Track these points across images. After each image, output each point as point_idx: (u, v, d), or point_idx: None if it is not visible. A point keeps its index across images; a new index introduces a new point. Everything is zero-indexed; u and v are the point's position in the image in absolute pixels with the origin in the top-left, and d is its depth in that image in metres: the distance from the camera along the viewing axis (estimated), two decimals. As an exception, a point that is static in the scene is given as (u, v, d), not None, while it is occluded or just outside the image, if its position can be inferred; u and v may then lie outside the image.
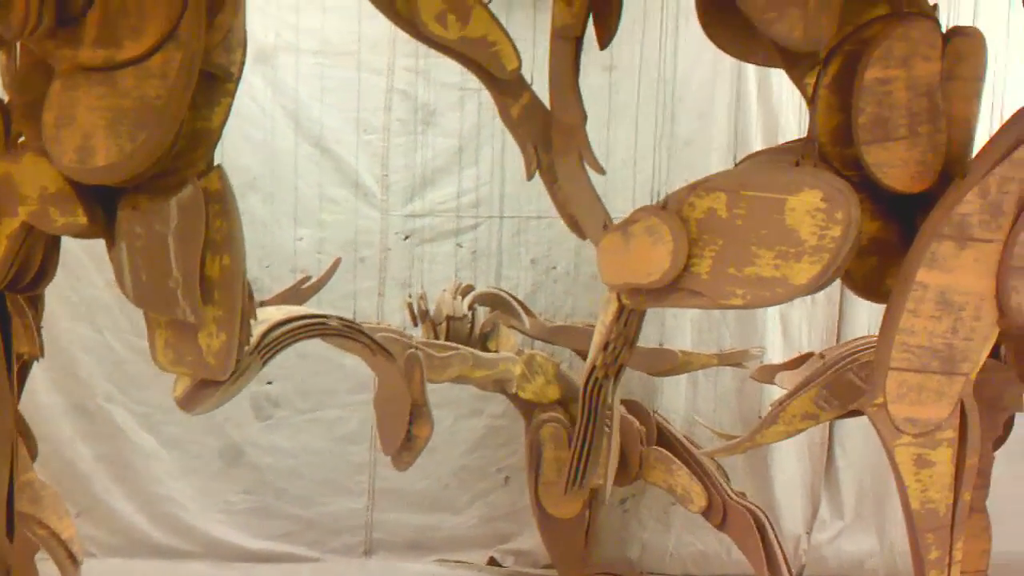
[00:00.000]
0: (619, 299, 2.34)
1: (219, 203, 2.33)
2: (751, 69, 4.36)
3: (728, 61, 4.30)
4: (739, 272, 2.07)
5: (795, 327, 4.43)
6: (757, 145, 4.38)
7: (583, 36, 2.32)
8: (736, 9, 2.18)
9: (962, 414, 2.14)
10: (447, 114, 4.36)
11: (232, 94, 2.45)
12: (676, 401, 4.40)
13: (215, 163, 2.40)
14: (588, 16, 2.29)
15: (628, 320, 2.41)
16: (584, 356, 4.15)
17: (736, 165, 2.32)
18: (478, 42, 2.26)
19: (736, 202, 2.06)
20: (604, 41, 2.40)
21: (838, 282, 2.24)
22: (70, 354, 4.21)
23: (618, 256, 2.17)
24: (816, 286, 2.06)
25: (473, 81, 4.30)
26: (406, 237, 4.41)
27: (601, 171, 2.32)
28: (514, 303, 4.02)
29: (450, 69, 4.26)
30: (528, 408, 3.94)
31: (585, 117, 2.31)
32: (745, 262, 2.06)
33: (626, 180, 4.05)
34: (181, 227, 2.25)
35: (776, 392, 3.78)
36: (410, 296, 4.01)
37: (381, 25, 4.24)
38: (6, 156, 2.32)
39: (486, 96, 4.31)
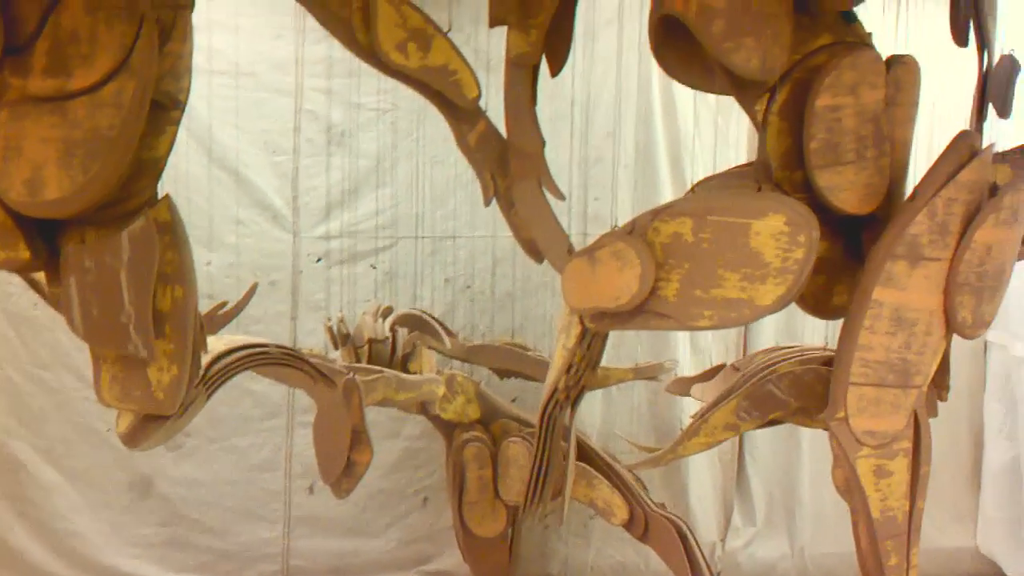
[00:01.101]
0: (582, 322, 2.37)
1: (169, 234, 2.27)
2: (655, 88, 4.46)
3: (634, 82, 4.40)
4: (706, 294, 2.12)
5: (703, 340, 4.54)
6: (663, 161, 4.50)
7: (539, 64, 2.34)
8: (688, 39, 2.24)
9: (915, 425, 2.24)
10: (357, 135, 4.32)
11: (177, 122, 2.39)
12: (592, 415, 4.46)
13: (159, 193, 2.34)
14: (543, 45, 2.31)
15: (591, 343, 2.44)
16: (501, 374, 4.18)
17: (691, 190, 2.38)
18: (439, 71, 2.26)
19: (702, 227, 2.12)
20: (556, 69, 2.43)
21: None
22: (-33, 388, 4.02)
23: (584, 280, 2.20)
24: (780, 306, 2.12)
25: (385, 102, 4.33)
26: (318, 259, 4.35)
27: (561, 197, 2.35)
28: (434, 323, 4.01)
29: (360, 89, 4.26)
30: (448, 428, 3.92)
31: (543, 143, 2.33)
32: (712, 284, 2.12)
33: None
34: (133, 260, 2.18)
35: (689, 403, 3.87)
36: (329, 319, 3.96)
37: (289, 45, 4.21)
38: (-60, 189, 2.21)
39: (398, 116, 4.36)
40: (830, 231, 2.32)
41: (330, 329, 3.87)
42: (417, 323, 4.00)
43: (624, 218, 4.40)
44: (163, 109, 2.31)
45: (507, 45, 2.33)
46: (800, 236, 2.07)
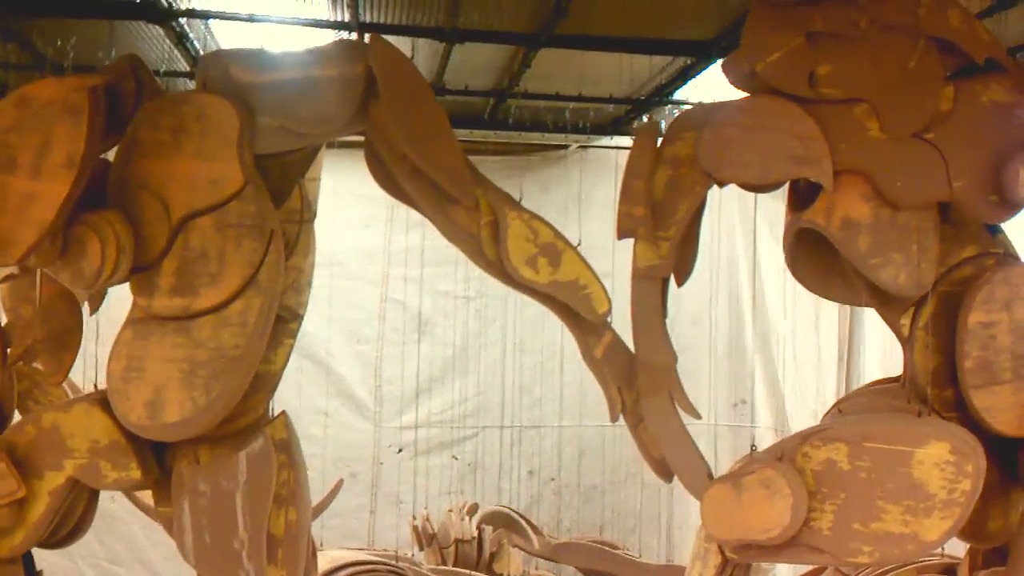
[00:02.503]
0: (722, 552, 2.21)
1: (285, 453, 2.18)
2: (743, 274, 4.38)
3: (723, 267, 4.33)
4: (865, 527, 1.97)
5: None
6: (754, 351, 4.38)
7: (669, 276, 2.25)
8: (823, 249, 2.15)
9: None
10: (441, 322, 4.27)
11: (295, 335, 2.33)
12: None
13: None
14: (674, 257, 2.23)
15: (733, 574, 2.28)
16: (588, 574, 3.99)
17: (836, 410, 2.25)
18: (569, 285, 2.18)
19: (858, 454, 1.98)
20: (682, 279, 2.34)
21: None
22: (41, 586, 3.86)
23: (728, 509, 2.05)
24: (945, 540, 1.97)
25: (470, 289, 4.28)
26: (399, 450, 4.23)
27: (696, 415, 2.22)
28: (521, 522, 3.87)
29: (445, 277, 4.21)
30: (535, 634, 3.74)
31: (675, 358, 2.22)
32: (871, 517, 1.97)
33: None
34: (250, 483, 2.08)
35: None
36: (414, 517, 3.82)
37: (378, 235, 4.20)
38: (54, 406, 2.14)
39: (483, 304, 4.31)
40: (986, 453, 2.17)
41: (415, 528, 3.73)
42: (503, 520, 3.86)
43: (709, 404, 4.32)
44: (283, 322, 2.25)
45: (635, 257, 2.23)
46: (968, 466, 1.93)
